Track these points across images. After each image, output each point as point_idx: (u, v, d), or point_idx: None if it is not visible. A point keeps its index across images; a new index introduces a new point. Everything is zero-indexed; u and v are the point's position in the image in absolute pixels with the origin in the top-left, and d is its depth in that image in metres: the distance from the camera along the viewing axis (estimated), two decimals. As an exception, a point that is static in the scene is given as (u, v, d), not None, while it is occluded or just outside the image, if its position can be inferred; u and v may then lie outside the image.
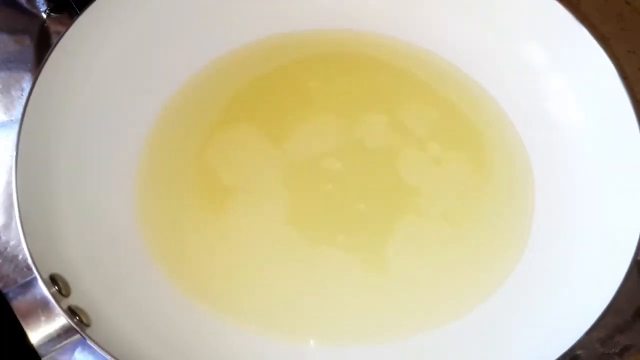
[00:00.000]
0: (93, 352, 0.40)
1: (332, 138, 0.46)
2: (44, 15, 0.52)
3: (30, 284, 0.34)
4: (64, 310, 0.34)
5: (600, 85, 0.42)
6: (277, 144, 0.46)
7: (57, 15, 0.52)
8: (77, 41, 0.42)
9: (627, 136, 0.41)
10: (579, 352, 0.41)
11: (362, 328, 0.41)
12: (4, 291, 0.34)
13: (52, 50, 0.41)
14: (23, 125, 0.38)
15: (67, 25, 0.41)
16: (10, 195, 0.37)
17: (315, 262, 0.42)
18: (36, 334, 0.34)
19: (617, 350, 0.42)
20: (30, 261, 0.34)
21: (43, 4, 0.52)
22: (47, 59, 0.40)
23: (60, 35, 0.41)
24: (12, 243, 0.44)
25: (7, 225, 0.45)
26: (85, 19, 0.42)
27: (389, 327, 0.41)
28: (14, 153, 0.38)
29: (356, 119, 0.47)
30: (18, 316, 0.34)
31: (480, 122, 0.47)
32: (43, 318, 0.34)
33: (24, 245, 0.35)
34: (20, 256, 0.44)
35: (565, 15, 0.43)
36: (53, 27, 0.51)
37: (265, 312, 0.41)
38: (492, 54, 0.47)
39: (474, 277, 0.42)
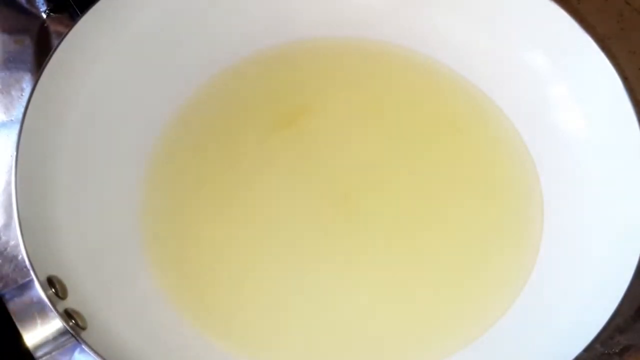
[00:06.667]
0: (94, 353, 0.41)
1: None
2: (44, 15, 0.52)
3: (27, 285, 0.34)
4: (60, 314, 0.34)
5: (601, 87, 0.42)
6: (292, 154, 0.45)
7: (57, 15, 0.52)
8: (80, 42, 0.42)
9: (628, 138, 0.40)
10: (579, 352, 0.41)
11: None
12: (0, 292, 0.35)
13: (54, 51, 0.40)
14: (24, 126, 0.38)
15: (67, 26, 0.41)
16: (10, 195, 0.37)
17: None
18: (32, 336, 0.34)
19: (617, 350, 0.42)
20: (27, 263, 0.34)
21: (43, 4, 0.52)
22: (49, 60, 0.40)
23: (63, 35, 0.41)
24: (12, 243, 0.45)
25: (7, 225, 0.45)
26: (88, 20, 0.42)
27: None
28: (14, 153, 0.38)
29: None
30: (14, 318, 0.34)
31: (484, 132, 0.46)
32: (39, 320, 0.34)
33: (21, 247, 0.35)
34: (20, 256, 0.44)
35: (564, 17, 0.43)
36: (53, 27, 0.51)
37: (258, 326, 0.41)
38: (492, 60, 0.47)
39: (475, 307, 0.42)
